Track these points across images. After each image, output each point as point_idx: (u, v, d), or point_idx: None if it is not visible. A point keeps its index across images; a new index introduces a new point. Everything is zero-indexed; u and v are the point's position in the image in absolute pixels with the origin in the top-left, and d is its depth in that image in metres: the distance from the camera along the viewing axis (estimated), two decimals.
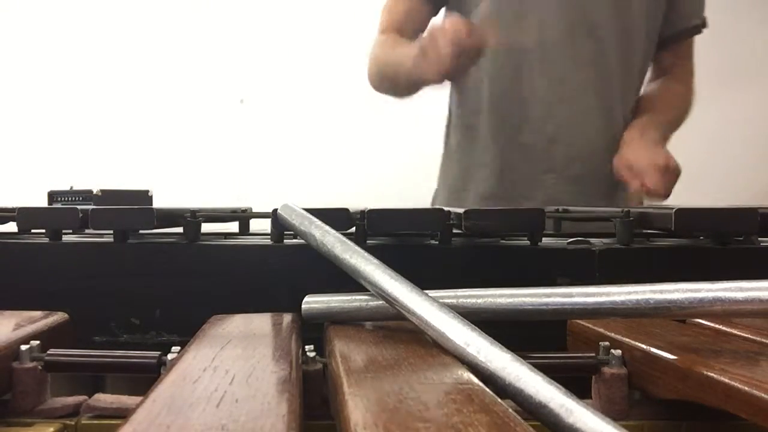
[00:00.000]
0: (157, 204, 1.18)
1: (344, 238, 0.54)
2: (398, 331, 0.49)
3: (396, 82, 1.21)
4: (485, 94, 1.20)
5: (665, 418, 0.46)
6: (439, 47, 0.95)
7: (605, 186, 1.20)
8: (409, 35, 1.19)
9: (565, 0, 1.16)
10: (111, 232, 0.71)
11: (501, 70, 1.18)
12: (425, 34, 1.02)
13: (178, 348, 0.44)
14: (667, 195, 1.13)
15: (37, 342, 0.46)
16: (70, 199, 2.16)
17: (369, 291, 0.49)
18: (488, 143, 1.21)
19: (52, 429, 0.43)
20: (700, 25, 1.31)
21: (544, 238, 0.71)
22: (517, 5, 1.16)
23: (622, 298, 0.46)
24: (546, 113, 1.17)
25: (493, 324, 0.45)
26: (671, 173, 1.13)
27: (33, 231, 0.77)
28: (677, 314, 0.46)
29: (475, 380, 0.36)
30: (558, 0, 1.16)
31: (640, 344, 0.47)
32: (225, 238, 0.76)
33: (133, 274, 0.70)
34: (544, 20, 1.16)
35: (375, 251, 0.51)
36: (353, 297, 0.51)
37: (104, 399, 0.46)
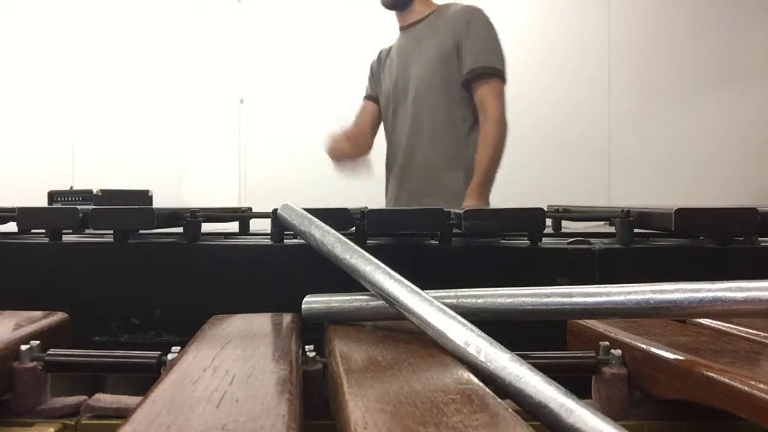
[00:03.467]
0: (157, 204, 1.18)
1: (344, 238, 0.54)
2: (398, 331, 0.49)
3: None
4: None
5: (665, 418, 0.46)
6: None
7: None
8: (362, 128, 1.84)
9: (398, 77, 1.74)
10: (111, 232, 0.71)
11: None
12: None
13: (178, 348, 0.44)
14: None
15: (37, 342, 0.46)
16: (70, 199, 2.15)
17: (369, 291, 0.49)
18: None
19: (52, 429, 0.43)
20: (480, 71, 1.60)
21: (544, 238, 0.71)
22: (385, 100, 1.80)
23: (622, 298, 0.46)
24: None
25: (493, 324, 0.45)
26: None
27: (33, 231, 0.77)
28: (677, 314, 0.46)
29: (475, 380, 0.36)
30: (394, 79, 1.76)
31: (640, 344, 0.47)
32: (225, 238, 0.76)
33: (133, 274, 0.70)
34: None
35: (375, 251, 0.51)
36: (353, 297, 0.51)
37: (104, 399, 0.46)
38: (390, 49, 1.82)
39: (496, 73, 1.59)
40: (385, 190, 1.83)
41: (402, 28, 1.76)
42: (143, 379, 0.45)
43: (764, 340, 0.48)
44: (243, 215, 0.85)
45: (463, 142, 1.65)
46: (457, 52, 1.61)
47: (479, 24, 1.62)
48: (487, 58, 1.60)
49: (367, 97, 1.87)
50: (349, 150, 1.73)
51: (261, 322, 0.53)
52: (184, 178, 2.87)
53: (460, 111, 1.64)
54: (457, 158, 1.64)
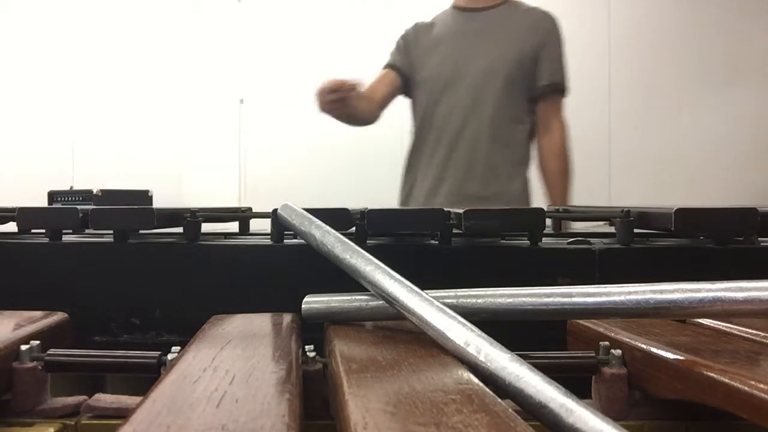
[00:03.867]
0: (157, 204, 1.18)
1: (344, 238, 0.54)
2: (398, 331, 0.49)
3: None
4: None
5: (665, 418, 0.46)
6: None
7: None
8: (375, 100, 1.67)
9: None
10: (111, 232, 0.71)
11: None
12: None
13: (178, 348, 0.44)
14: None
15: (37, 342, 0.46)
16: (70, 199, 2.16)
17: (369, 291, 0.49)
18: None
19: (52, 429, 0.43)
20: (555, 87, 1.58)
21: (544, 238, 0.71)
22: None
23: (622, 298, 0.46)
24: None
25: (493, 324, 0.45)
26: None
27: (33, 231, 0.77)
28: (677, 314, 0.46)
29: (475, 380, 0.36)
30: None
31: (640, 344, 0.47)
32: (225, 238, 0.76)
33: (133, 274, 0.70)
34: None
35: (375, 251, 0.51)
36: (353, 297, 0.51)
37: (104, 399, 0.46)
38: (432, 24, 1.67)
39: (564, 92, 1.59)
40: (407, 185, 1.67)
41: (463, 9, 1.64)
42: (143, 379, 0.45)
43: (764, 340, 0.48)
44: (243, 215, 0.85)
45: (524, 148, 1.59)
46: (532, 60, 1.56)
47: (558, 37, 1.59)
48: (562, 74, 1.58)
49: (390, 66, 1.69)
50: (357, 111, 1.57)
51: (261, 322, 0.53)
52: (184, 178, 2.87)
53: (522, 116, 1.58)
54: (518, 165, 1.58)
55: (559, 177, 1.57)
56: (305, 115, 2.87)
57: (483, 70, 1.56)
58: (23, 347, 0.46)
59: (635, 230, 0.71)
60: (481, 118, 1.56)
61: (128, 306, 0.68)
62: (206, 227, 0.74)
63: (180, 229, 0.72)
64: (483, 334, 0.41)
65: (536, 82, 1.56)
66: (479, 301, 0.49)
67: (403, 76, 1.66)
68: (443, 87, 1.60)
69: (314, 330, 0.51)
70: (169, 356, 0.44)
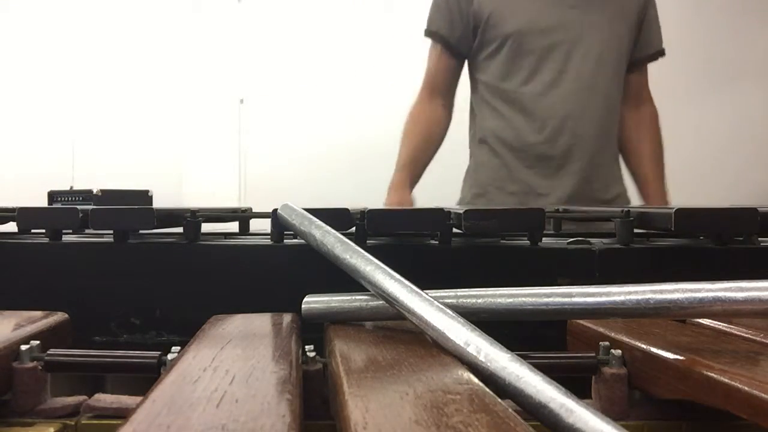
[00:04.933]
0: (157, 204, 1.18)
1: (344, 238, 0.54)
2: (398, 331, 0.49)
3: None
4: None
5: (665, 418, 0.46)
6: None
7: None
8: (441, 89, 1.40)
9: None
10: (111, 232, 0.71)
11: None
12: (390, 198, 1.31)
13: (178, 348, 0.44)
14: None
15: (37, 342, 0.46)
16: (70, 199, 2.16)
17: (369, 291, 0.49)
18: None
19: (52, 429, 0.43)
20: (660, 53, 1.41)
21: (544, 238, 0.71)
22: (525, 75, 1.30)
23: (622, 298, 0.46)
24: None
25: (493, 324, 0.45)
26: None
27: (33, 231, 0.77)
28: (677, 314, 0.46)
29: (475, 380, 0.36)
30: None
31: (640, 344, 0.47)
32: (225, 238, 0.76)
33: (133, 274, 0.70)
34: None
35: (375, 251, 0.51)
36: (353, 297, 0.51)
37: (104, 399, 0.46)
38: None
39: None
40: (478, 183, 1.36)
41: None
42: (143, 379, 0.45)
43: (764, 340, 0.48)
44: (243, 215, 0.85)
45: (616, 129, 1.34)
46: (637, 27, 1.33)
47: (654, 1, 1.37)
48: (661, 40, 1.37)
49: (445, 45, 1.34)
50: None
51: (261, 322, 0.53)
52: (184, 178, 2.87)
53: (621, 93, 1.33)
54: (615, 151, 1.34)
55: (656, 164, 1.36)
56: (305, 115, 2.88)
57: (601, 40, 1.27)
58: (23, 347, 0.46)
59: (635, 230, 0.71)
60: (595, 97, 1.28)
61: (128, 306, 0.68)
62: (206, 227, 0.74)
63: (180, 229, 0.72)
64: (483, 334, 0.41)
65: (642, 50, 1.35)
66: (479, 301, 0.49)
67: (458, 53, 1.36)
68: (540, 50, 1.27)
69: (314, 330, 0.51)
70: (169, 356, 0.44)
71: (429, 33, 1.37)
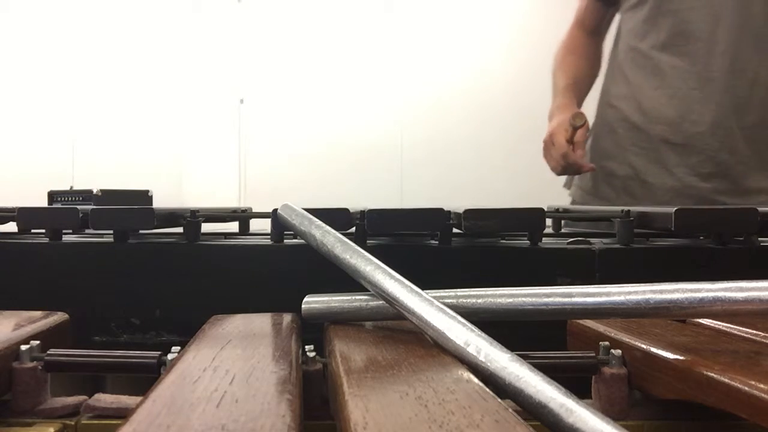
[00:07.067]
0: (157, 204, 1.18)
1: (344, 238, 0.54)
2: (398, 331, 0.49)
3: None
4: None
5: (665, 418, 0.46)
6: (550, 156, 1.18)
7: None
8: (589, 28, 1.34)
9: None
10: (111, 232, 0.71)
11: None
12: (548, 132, 1.18)
13: (178, 348, 0.44)
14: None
15: (37, 342, 0.46)
16: (70, 199, 2.16)
17: (369, 291, 0.49)
18: None
19: (52, 429, 0.43)
20: None
21: (544, 238, 0.71)
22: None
23: (622, 298, 0.46)
24: None
25: (493, 324, 0.45)
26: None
27: (33, 231, 0.77)
28: (677, 314, 0.46)
29: (475, 380, 0.36)
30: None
31: (640, 344, 0.47)
32: (225, 238, 0.76)
33: (133, 274, 0.70)
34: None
35: (375, 251, 0.51)
36: (353, 297, 0.51)
37: (104, 399, 0.46)
38: None
39: None
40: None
41: None
42: (143, 379, 0.45)
43: (764, 340, 0.48)
44: (243, 215, 0.85)
45: None
46: None
47: None
48: None
49: None
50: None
51: (261, 322, 0.53)
52: (184, 178, 2.88)
53: None
54: None
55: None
56: (305, 115, 2.88)
57: None
58: (23, 347, 0.46)
59: (635, 230, 0.71)
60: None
61: (128, 306, 0.68)
62: (206, 227, 0.74)
63: (180, 229, 0.72)
64: (483, 334, 0.41)
65: None
66: (479, 301, 0.49)
67: None
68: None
69: (314, 330, 0.51)
70: (169, 356, 0.44)
71: None
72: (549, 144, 1.17)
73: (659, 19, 1.16)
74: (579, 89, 1.28)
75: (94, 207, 0.72)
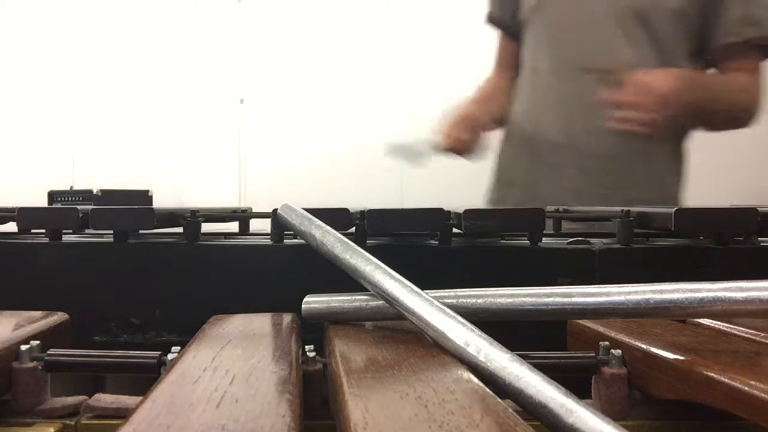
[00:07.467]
0: (157, 204, 1.18)
1: (344, 238, 0.54)
2: (398, 331, 0.49)
3: None
4: None
5: (665, 418, 0.46)
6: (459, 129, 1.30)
7: None
8: (506, 66, 1.44)
9: None
10: (111, 232, 0.71)
11: None
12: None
13: (178, 348, 0.44)
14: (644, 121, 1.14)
15: (37, 342, 0.46)
16: (70, 199, 2.16)
17: (369, 291, 0.49)
18: None
19: (52, 429, 0.43)
20: (755, 39, 1.16)
21: (544, 238, 0.71)
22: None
23: (622, 298, 0.46)
24: None
25: (493, 324, 0.45)
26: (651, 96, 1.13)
27: (33, 231, 0.77)
28: (677, 314, 0.46)
29: (475, 380, 0.36)
30: None
31: (640, 344, 0.47)
32: (225, 238, 0.76)
33: (133, 274, 0.70)
34: None
35: (375, 251, 0.51)
36: (353, 297, 0.51)
37: (104, 399, 0.46)
38: None
39: None
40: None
41: None
42: (143, 379, 0.45)
43: (764, 340, 0.48)
44: (243, 215, 0.85)
45: None
46: None
47: None
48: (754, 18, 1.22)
49: (498, 26, 1.41)
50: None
51: (261, 322, 0.53)
52: (184, 178, 2.87)
53: None
54: None
55: None
56: (305, 115, 2.88)
57: None
58: (23, 347, 0.46)
59: (635, 230, 0.71)
60: None
61: (128, 306, 0.68)
62: (206, 227, 0.74)
63: (180, 229, 0.72)
64: (483, 334, 0.41)
65: None
66: (479, 301, 0.49)
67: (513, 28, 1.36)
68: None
69: (314, 330, 0.51)
70: (169, 356, 0.44)
71: (486, 17, 1.43)
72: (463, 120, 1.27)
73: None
74: (478, 103, 1.41)
75: (94, 207, 0.72)
